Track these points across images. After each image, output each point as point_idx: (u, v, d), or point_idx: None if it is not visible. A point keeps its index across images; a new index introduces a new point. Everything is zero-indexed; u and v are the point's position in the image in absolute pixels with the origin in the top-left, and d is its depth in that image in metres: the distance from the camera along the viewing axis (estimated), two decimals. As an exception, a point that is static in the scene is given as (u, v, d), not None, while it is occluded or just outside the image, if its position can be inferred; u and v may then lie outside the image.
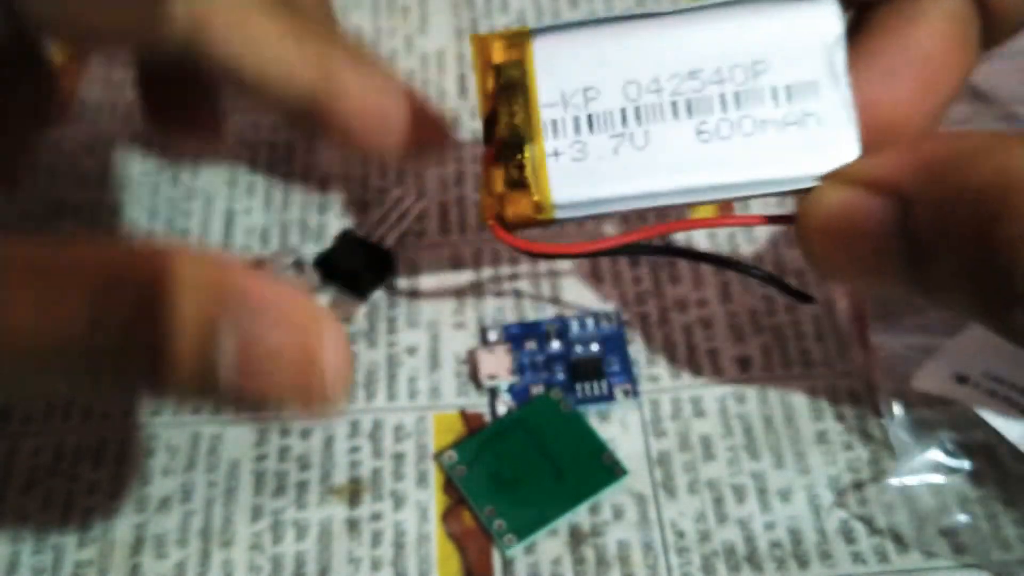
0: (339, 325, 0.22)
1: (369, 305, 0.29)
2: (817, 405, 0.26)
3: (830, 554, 0.24)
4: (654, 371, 0.27)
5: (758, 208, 0.26)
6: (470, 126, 0.33)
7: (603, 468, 0.25)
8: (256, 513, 0.25)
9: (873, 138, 0.21)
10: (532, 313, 0.28)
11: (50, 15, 0.24)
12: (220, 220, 0.31)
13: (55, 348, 0.21)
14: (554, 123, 0.21)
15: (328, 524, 0.25)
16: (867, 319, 0.27)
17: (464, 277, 0.29)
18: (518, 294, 0.29)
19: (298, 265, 0.29)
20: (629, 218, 0.28)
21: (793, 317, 0.28)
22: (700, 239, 0.30)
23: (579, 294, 0.29)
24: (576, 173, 0.21)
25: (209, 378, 0.21)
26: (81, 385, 0.23)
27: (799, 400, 0.27)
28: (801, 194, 0.21)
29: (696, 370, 0.27)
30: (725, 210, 0.28)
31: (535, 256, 0.22)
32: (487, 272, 0.30)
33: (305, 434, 0.27)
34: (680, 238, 0.30)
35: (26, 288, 0.21)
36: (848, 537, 0.24)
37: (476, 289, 0.29)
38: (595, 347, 0.27)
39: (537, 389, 0.27)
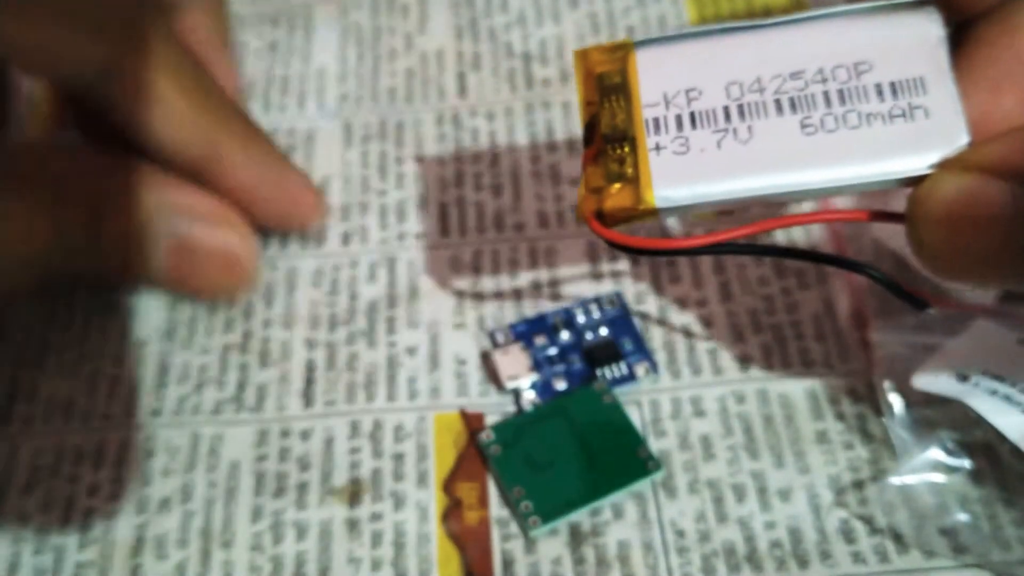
0: (249, 229, 0.28)
1: (367, 304, 0.29)
2: (817, 405, 0.26)
3: (830, 554, 0.24)
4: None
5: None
6: (470, 124, 0.33)
7: (637, 461, 0.25)
8: (256, 514, 0.25)
9: None
10: (531, 311, 0.28)
11: None
12: (220, 220, 0.31)
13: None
14: (656, 120, 0.21)
15: (328, 524, 0.25)
16: (867, 318, 0.27)
17: (463, 278, 0.30)
18: (517, 294, 0.29)
19: None
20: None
21: (793, 317, 0.28)
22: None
23: (577, 292, 0.29)
24: (678, 166, 0.21)
25: (145, 267, 0.27)
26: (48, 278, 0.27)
27: (799, 400, 0.27)
28: (911, 185, 0.21)
29: (696, 370, 0.27)
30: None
31: (633, 252, 0.22)
32: (486, 273, 0.30)
33: (305, 435, 0.27)
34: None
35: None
36: (848, 537, 0.24)
37: (475, 290, 0.29)
38: (604, 331, 0.28)
39: (559, 382, 0.27)
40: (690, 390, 0.27)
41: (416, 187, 0.31)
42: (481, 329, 0.28)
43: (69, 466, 0.26)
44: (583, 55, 0.22)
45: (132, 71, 0.26)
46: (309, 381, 0.28)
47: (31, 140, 0.29)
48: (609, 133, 0.22)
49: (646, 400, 0.27)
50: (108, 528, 0.25)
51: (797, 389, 0.27)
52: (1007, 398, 0.24)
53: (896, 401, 0.25)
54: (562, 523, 0.25)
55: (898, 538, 0.24)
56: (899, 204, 0.21)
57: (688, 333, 0.28)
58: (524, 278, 0.29)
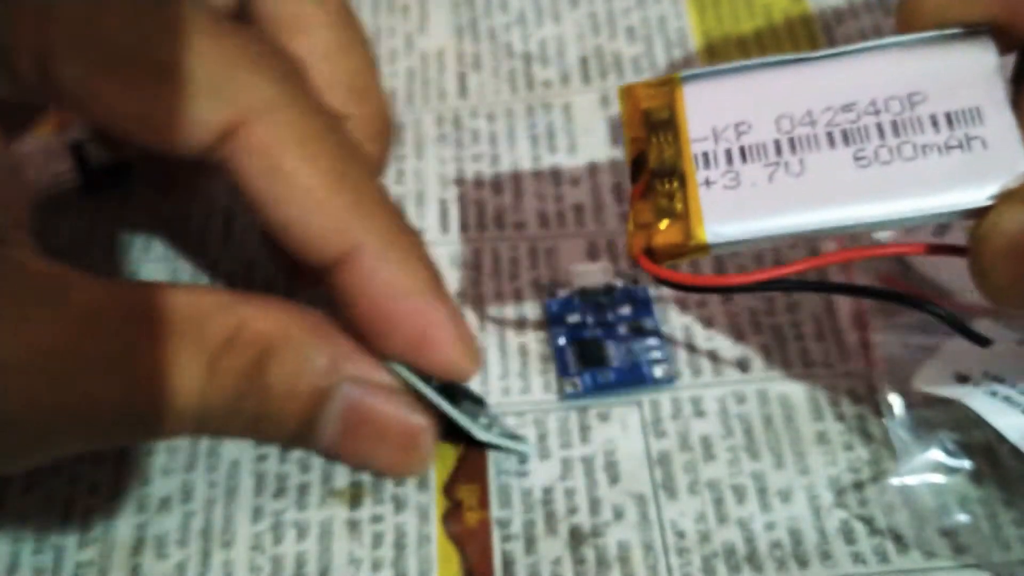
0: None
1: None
2: (817, 405, 0.26)
3: (830, 554, 0.24)
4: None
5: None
6: (470, 125, 0.33)
7: None
8: (257, 514, 0.25)
9: None
10: (531, 311, 0.28)
11: (78, 98, 0.22)
12: (220, 218, 0.31)
13: (172, 407, 0.21)
14: (705, 155, 0.21)
15: (329, 525, 0.25)
16: (867, 319, 0.27)
17: (464, 277, 0.30)
18: (518, 293, 0.29)
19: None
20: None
21: (793, 317, 0.28)
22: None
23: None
24: (729, 201, 0.21)
25: (308, 439, 0.23)
26: (170, 435, 0.24)
27: (799, 400, 0.27)
28: (970, 217, 0.20)
29: (696, 370, 0.27)
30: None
31: (684, 289, 0.21)
32: (486, 272, 0.30)
33: (305, 434, 0.27)
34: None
35: (153, 343, 0.21)
36: (848, 537, 0.24)
37: (476, 288, 0.29)
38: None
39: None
40: (690, 390, 0.27)
41: (415, 183, 0.31)
42: (481, 329, 0.28)
43: (69, 465, 0.26)
44: (628, 91, 0.22)
45: (255, 138, 0.22)
46: (309, 381, 0.28)
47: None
48: (658, 168, 0.21)
49: (646, 400, 0.27)
50: (108, 527, 0.25)
51: (797, 390, 0.27)
52: (1007, 399, 0.24)
53: (896, 402, 0.25)
54: (563, 524, 0.25)
55: (898, 539, 0.24)
56: (955, 236, 0.21)
57: (688, 333, 0.28)
58: (524, 278, 0.29)
